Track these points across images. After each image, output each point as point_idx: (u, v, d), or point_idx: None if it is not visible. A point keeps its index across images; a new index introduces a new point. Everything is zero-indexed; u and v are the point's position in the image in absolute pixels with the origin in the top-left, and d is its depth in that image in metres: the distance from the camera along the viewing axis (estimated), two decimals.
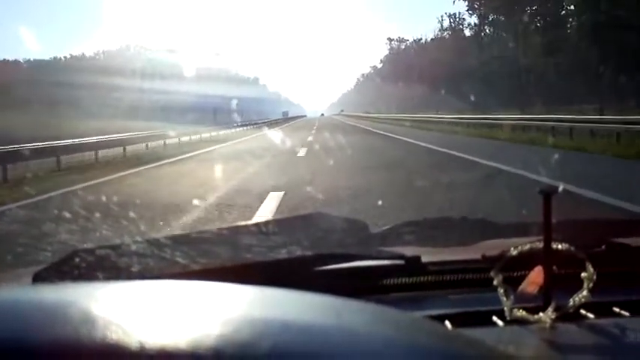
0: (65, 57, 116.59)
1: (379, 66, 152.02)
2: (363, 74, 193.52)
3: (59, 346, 0.46)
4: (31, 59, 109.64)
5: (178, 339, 0.46)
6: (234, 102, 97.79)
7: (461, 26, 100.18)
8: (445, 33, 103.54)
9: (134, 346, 0.45)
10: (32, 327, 0.49)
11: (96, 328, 0.47)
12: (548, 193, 1.01)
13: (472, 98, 62.60)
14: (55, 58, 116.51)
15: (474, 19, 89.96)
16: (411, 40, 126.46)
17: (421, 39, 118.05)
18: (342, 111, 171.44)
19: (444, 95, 75.41)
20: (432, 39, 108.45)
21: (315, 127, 44.95)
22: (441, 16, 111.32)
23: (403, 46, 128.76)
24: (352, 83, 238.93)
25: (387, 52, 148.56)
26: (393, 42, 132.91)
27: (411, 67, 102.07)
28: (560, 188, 1.06)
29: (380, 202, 7.75)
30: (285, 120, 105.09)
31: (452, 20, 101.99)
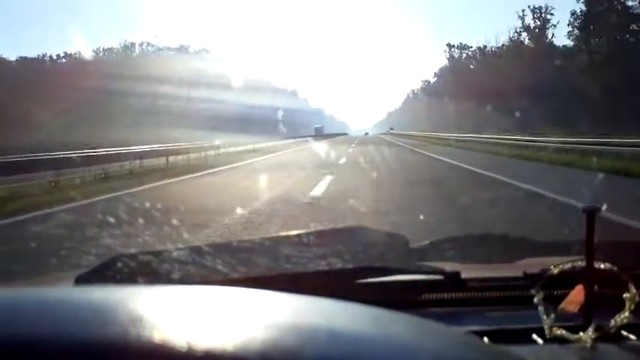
0: (111, 50, 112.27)
1: (432, 80, 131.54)
2: (413, 90, 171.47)
3: (106, 346, 0.46)
4: (75, 54, 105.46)
5: (225, 343, 0.46)
6: (280, 113, 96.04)
7: (545, 27, 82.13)
8: (522, 36, 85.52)
9: (181, 349, 0.45)
10: (78, 326, 0.49)
11: (143, 330, 0.47)
12: (591, 212, 1.00)
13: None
14: (100, 52, 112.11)
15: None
16: (474, 47, 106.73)
17: (486, 46, 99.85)
18: (391, 129, 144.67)
19: (522, 112, 62.74)
20: (502, 45, 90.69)
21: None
22: (523, 11, 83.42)
23: (464, 55, 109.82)
24: (400, 101, 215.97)
25: (442, 63, 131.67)
26: (453, 49, 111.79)
27: (474, 79, 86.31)
28: (604, 207, 1.05)
29: None
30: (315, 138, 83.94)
31: (535, 15, 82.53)
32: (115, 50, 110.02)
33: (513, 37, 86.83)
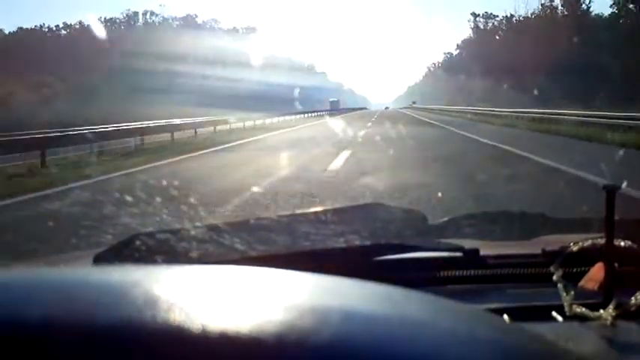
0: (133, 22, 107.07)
1: (455, 53, 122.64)
2: (434, 63, 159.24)
3: (122, 327, 0.46)
4: (75, 24, 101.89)
5: (240, 323, 0.46)
6: (297, 90, 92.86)
7: None
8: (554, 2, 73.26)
9: (197, 329, 0.46)
10: (95, 307, 0.49)
11: (159, 310, 0.47)
12: (611, 190, 0.99)
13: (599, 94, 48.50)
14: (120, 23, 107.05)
15: None
16: (501, 16, 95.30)
17: (513, 15, 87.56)
18: (413, 103, 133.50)
19: (547, 85, 56.31)
20: (532, 14, 78.66)
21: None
22: None
23: (490, 25, 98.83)
24: (421, 74, 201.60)
25: (465, 35, 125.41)
26: (478, 19, 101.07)
27: (500, 51, 77.94)
28: (624, 185, 1.04)
29: None
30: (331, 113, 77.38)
31: None
32: (118, 21, 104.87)
33: (545, 2, 75.46)
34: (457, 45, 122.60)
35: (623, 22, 60.63)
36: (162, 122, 24.72)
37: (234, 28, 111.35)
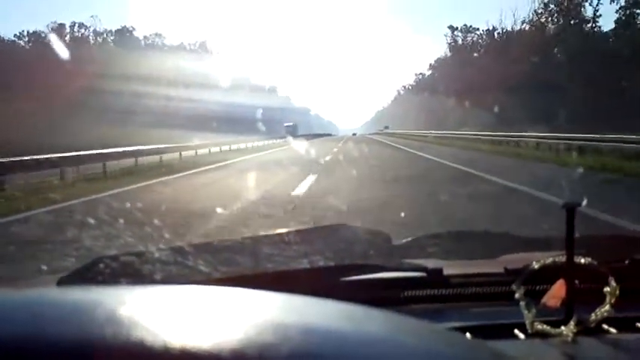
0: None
1: (427, 73, 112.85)
2: (404, 86, 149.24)
3: (82, 346, 0.46)
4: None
5: (200, 341, 0.47)
6: (259, 111, 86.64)
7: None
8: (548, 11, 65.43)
9: (157, 347, 0.46)
10: (56, 326, 0.49)
11: (120, 329, 0.48)
12: (571, 208, 1.01)
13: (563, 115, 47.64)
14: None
15: None
16: (482, 29, 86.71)
17: (495, 29, 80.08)
18: (386, 128, 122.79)
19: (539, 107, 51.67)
20: (522, 23, 71.64)
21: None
22: None
23: (469, 39, 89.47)
24: (390, 98, 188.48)
25: (436, 56, 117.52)
26: (456, 33, 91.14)
27: (480, 68, 70.32)
28: (584, 203, 1.06)
29: None
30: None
31: None
32: (44, 34, 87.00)
33: (539, 9, 66.78)
34: (430, 65, 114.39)
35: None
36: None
37: (181, 44, 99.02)
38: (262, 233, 1.44)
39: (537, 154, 22.48)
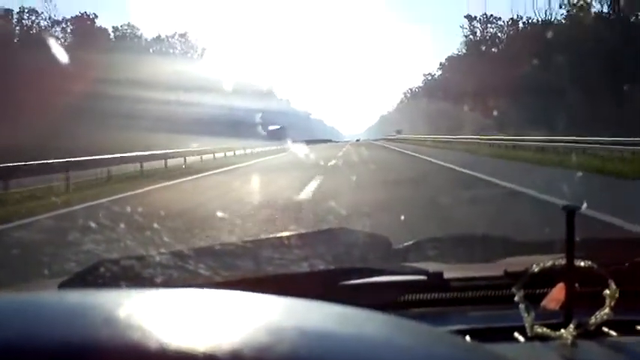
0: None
1: (437, 74, 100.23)
2: (410, 89, 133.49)
3: (82, 348, 0.47)
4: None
5: (197, 342, 0.47)
6: (259, 115, 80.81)
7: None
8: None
9: (154, 349, 0.46)
10: (56, 328, 0.50)
11: (118, 331, 0.48)
12: (571, 210, 1.01)
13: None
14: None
15: None
16: (504, 19, 72.04)
17: (521, 18, 66.74)
18: (398, 132, 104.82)
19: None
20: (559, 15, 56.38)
21: None
22: None
23: (489, 31, 75.32)
24: (395, 102, 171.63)
25: (447, 54, 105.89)
26: (473, 24, 76.67)
27: (501, 63, 58.59)
28: (584, 206, 1.06)
29: None
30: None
31: None
32: None
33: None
34: (440, 64, 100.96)
35: None
36: None
37: (158, 36, 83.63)
38: (263, 237, 1.44)
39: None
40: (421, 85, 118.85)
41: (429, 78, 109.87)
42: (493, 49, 72.78)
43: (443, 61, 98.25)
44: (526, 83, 50.84)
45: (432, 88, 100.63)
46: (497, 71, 58.10)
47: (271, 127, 72.97)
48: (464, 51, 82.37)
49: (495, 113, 53.85)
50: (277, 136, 66.40)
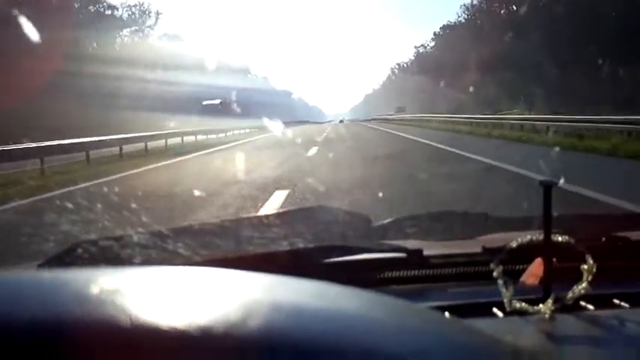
0: None
1: (429, 46, 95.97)
2: (398, 64, 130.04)
3: (59, 324, 0.48)
4: None
5: (168, 317, 0.48)
6: (234, 93, 76.17)
7: None
8: None
9: (126, 325, 0.47)
10: (34, 305, 0.50)
11: (90, 308, 0.49)
12: (548, 186, 1.02)
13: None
14: None
15: None
16: None
17: None
18: (400, 110, 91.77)
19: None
20: None
21: None
22: None
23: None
24: (380, 81, 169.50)
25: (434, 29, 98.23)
26: None
27: (499, 34, 53.43)
28: (561, 181, 1.06)
29: None
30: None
31: None
32: None
33: None
34: (435, 33, 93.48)
35: None
36: None
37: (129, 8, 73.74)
38: (243, 215, 1.44)
39: None
40: (412, 57, 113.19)
41: (421, 50, 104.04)
42: (502, 11, 63.86)
43: (437, 30, 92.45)
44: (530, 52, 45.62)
45: (424, 62, 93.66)
46: (509, 37, 51.82)
47: (206, 102, 63.48)
48: (463, 18, 77.62)
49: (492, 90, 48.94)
50: (219, 111, 59.23)
